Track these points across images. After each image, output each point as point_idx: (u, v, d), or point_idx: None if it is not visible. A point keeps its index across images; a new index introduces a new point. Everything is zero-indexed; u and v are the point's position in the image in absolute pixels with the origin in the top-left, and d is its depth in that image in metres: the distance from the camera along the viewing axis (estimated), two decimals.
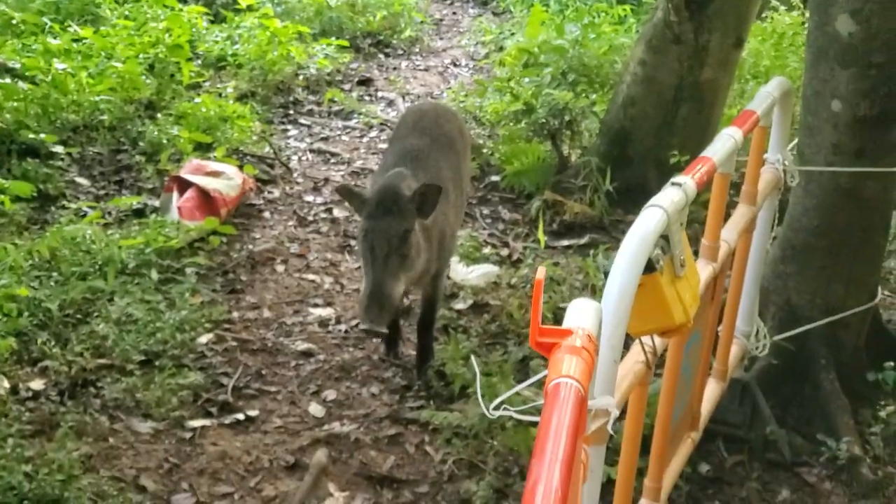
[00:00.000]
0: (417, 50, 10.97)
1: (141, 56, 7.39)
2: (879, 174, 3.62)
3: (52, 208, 5.58)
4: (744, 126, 2.77)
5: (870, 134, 3.57)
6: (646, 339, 2.25)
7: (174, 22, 7.64)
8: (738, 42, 6.20)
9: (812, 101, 3.67)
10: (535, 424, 3.67)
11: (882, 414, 3.84)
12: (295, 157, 7.08)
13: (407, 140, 4.42)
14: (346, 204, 6.09)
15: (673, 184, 2.23)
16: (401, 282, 3.85)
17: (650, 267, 2.04)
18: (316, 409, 4.16)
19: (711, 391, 3.26)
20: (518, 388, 1.99)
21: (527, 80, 7.22)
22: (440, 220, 4.12)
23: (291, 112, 8.19)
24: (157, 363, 4.25)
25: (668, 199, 2.12)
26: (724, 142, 2.62)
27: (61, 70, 6.52)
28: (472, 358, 3.40)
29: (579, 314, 1.66)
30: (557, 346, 1.57)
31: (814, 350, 3.95)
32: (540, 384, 2.08)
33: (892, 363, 3.98)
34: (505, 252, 5.70)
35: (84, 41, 7.34)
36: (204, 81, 8.15)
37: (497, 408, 1.92)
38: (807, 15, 7.25)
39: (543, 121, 6.72)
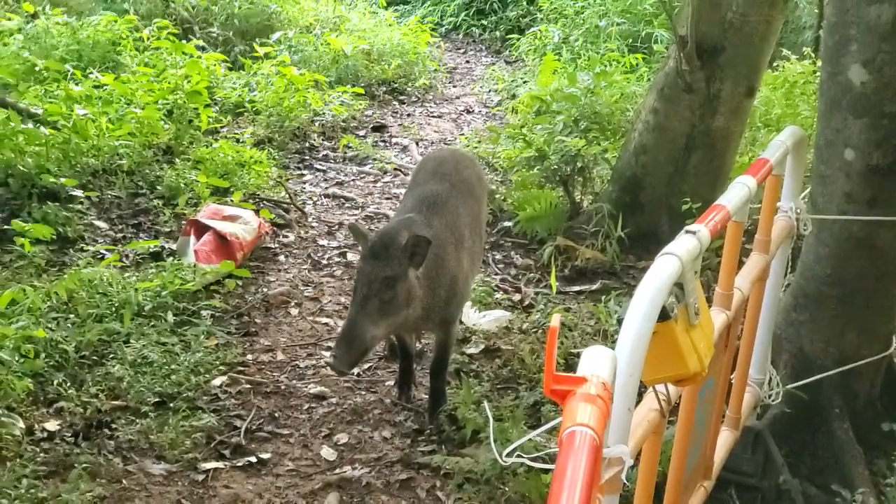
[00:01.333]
0: (431, 97, 11.10)
1: (160, 102, 7.49)
2: (892, 223, 3.64)
3: (71, 251, 5.65)
4: (757, 174, 2.81)
5: (882, 183, 3.59)
6: (660, 388, 2.26)
7: (193, 68, 7.75)
8: (750, 91, 6.25)
9: (825, 150, 3.70)
10: (547, 472, 3.67)
11: None
12: (310, 202, 7.15)
13: (426, 185, 4.46)
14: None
15: (687, 232, 2.26)
16: (378, 326, 3.83)
17: (665, 315, 2.06)
18: (328, 452, 4.17)
19: (724, 439, 3.27)
20: (531, 434, 2.01)
21: (539, 127, 7.28)
22: (452, 267, 4.15)
23: (307, 157, 8.28)
24: (171, 405, 4.28)
25: (683, 247, 2.14)
26: (738, 190, 2.65)
27: (82, 115, 6.60)
28: (485, 403, 3.42)
29: (593, 361, 1.68)
30: (572, 394, 1.59)
31: (827, 399, 3.94)
32: (553, 430, 2.10)
33: None
34: (517, 297, 5.72)
35: (104, 87, 7.44)
36: (221, 127, 8.27)
37: (510, 454, 1.95)
38: (818, 64, 7.33)
39: (555, 167, 6.77)
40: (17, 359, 4.13)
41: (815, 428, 3.94)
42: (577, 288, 5.87)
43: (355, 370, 4.84)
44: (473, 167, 4.94)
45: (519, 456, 1.99)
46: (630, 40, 11.24)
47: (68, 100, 6.89)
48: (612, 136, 7.08)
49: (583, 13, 12.19)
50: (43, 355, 4.36)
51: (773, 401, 3.71)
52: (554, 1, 12.75)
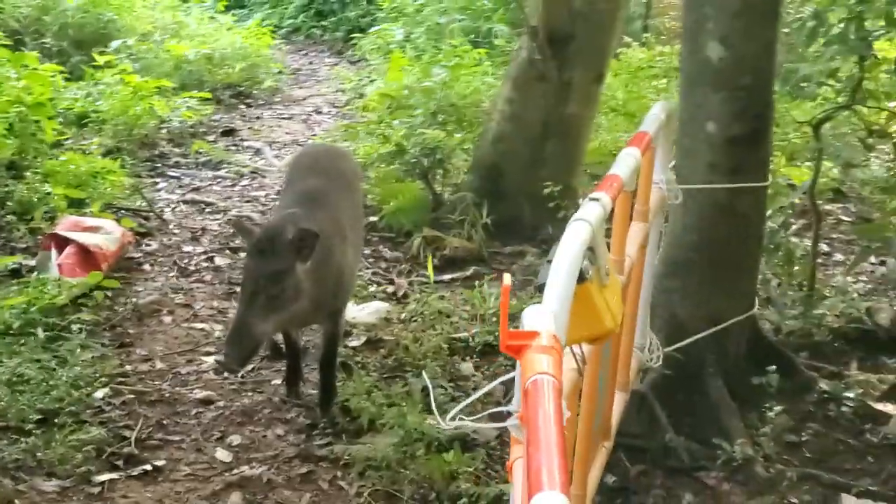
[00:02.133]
0: (279, 99, 11.06)
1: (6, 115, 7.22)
2: (752, 189, 3.87)
3: None
4: (641, 146, 2.95)
5: (742, 152, 3.83)
6: (575, 348, 2.37)
7: (35, 80, 7.49)
8: (599, 77, 6.50)
9: (688, 124, 3.91)
10: (449, 450, 3.71)
11: (770, 415, 4.07)
12: (168, 209, 7.04)
13: (305, 181, 4.47)
14: (229, 250, 6.13)
15: (591, 199, 2.37)
16: (267, 322, 3.81)
17: (581, 277, 2.16)
18: (223, 454, 4.14)
19: (618, 401, 3.42)
20: (474, 396, 2.09)
21: (397, 121, 7.37)
22: (338, 259, 4.18)
23: (159, 165, 8.15)
24: (56, 421, 4.16)
25: (591, 213, 2.26)
26: (627, 161, 2.79)
27: None
28: (423, 373, 3.46)
29: (536, 319, 1.76)
30: (526, 348, 1.67)
31: (701, 359, 4.16)
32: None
33: (773, 367, 4.22)
34: (391, 289, 5.79)
35: None
36: (66, 139, 8.02)
37: (453, 419, 2.01)
38: (657, 49, 7.67)
39: (415, 160, 6.86)
40: None
41: (692, 387, 4.16)
42: (448, 276, 5.98)
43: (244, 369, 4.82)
44: (349, 161, 4.98)
45: (461, 420, 2.07)
46: (471, 36, 11.42)
47: None
48: (469, 128, 7.22)
49: (423, 11, 12.33)
50: None
51: (654, 364, 3.89)
52: (394, 0, 12.85)
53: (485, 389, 2.13)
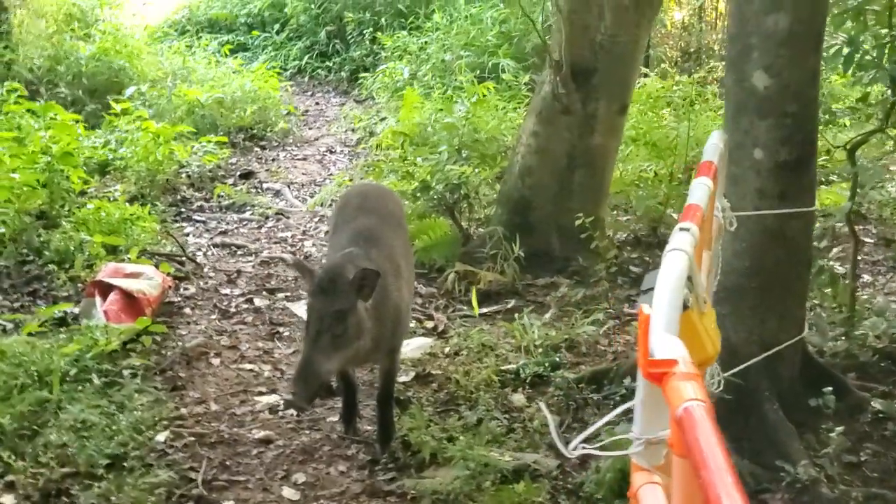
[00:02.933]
0: (291, 141, 11.16)
1: (31, 167, 7.30)
2: (799, 214, 3.97)
3: None
4: (710, 175, 3.05)
5: (790, 177, 3.93)
6: None
7: (61, 130, 7.58)
8: (623, 108, 6.63)
9: (735, 151, 4.01)
10: (518, 481, 3.74)
11: (832, 435, 4.14)
12: (200, 253, 7.12)
13: (357, 220, 4.57)
14: (266, 292, 6.20)
15: (682, 229, 2.46)
16: (332, 360, 3.91)
17: (683, 306, 2.24)
18: (290, 492, 4.20)
19: None
20: (599, 423, 2.17)
21: (420, 158, 7.49)
22: (395, 297, 4.26)
23: (183, 210, 8.23)
24: (125, 465, 4.22)
25: (684, 242, 2.34)
26: (702, 190, 2.88)
27: None
28: (541, 403, 3.53)
29: (667, 347, 1.83)
30: (669, 375, 1.74)
31: (755, 384, 4.24)
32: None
33: (829, 388, 4.30)
34: (430, 324, 5.87)
35: None
36: (90, 188, 8.10)
37: (576, 449, 2.10)
38: (676, 79, 7.80)
39: (439, 196, 6.97)
40: None
41: (749, 412, 4.23)
42: (485, 309, 6.05)
43: (294, 410, 4.89)
44: (395, 199, 5.08)
45: (584, 448, 2.15)
46: (477, 71, 11.56)
47: None
48: (493, 162, 7.33)
49: (427, 49, 12.49)
50: None
51: (716, 389, 3.96)
52: (397, 39, 13.00)
53: (608, 418, 2.20)
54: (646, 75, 8.43)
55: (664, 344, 1.89)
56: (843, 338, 4.97)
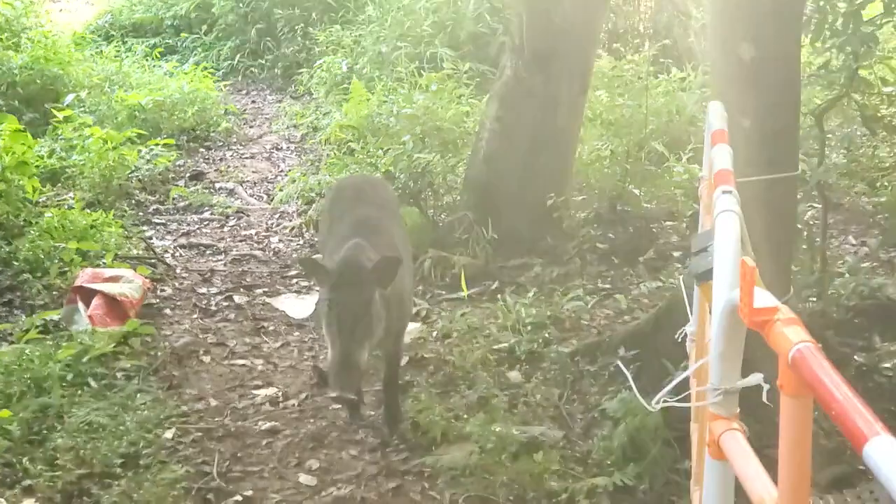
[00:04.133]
0: (235, 140, 11.15)
1: None
2: (784, 180, 4.16)
3: None
4: (725, 141, 3.21)
5: (776, 145, 4.11)
6: None
7: (15, 139, 7.49)
8: (583, 89, 6.80)
9: None
10: (536, 452, 3.82)
11: None
12: (167, 255, 7.10)
13: (355, 211, 4.65)
14: (243, 289, 6.23)
15: (724, 192, 2.60)
16: (363, 349, 4.05)
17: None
18: (306, 479, 4.28)
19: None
20: (677, 379, 2.30)
21: (381, 150, 7.57)
22: (398, 284, 4.35)
23: (141, 213, 8.18)
24: (140, 462, 4.26)
25: (732, 203, 2.48)
26: (726, 156, 3.03)
27: None
28: (619, 362, 3.64)
29: (764, 297, 1.96)
30: (772, 322, 1.87)
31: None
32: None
33: None
34: (413, 310, 5.96)
35: None
36: (40, 197, 8.01)
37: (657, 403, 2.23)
38: (627, 58, 8.00)
39: (403, 185, 7.06)
40: None
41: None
42: (462, 294, 6.15)
43: (294, 401, 4.96)
44: (388, 189, 5.17)
45: (667, 400, 2.29)
46: (416, 62, 11.64)
47: None
48: (454, 149, 7.44)
49: (362, 42, 12.52)
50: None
51: None
52: (331, 34, 13.02)
53: (688, 372, 2.34)
54: (598, 56, 8.60)
55: (761, 295, 2.02)
56: (817, 298, 5.18)
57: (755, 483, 1.97)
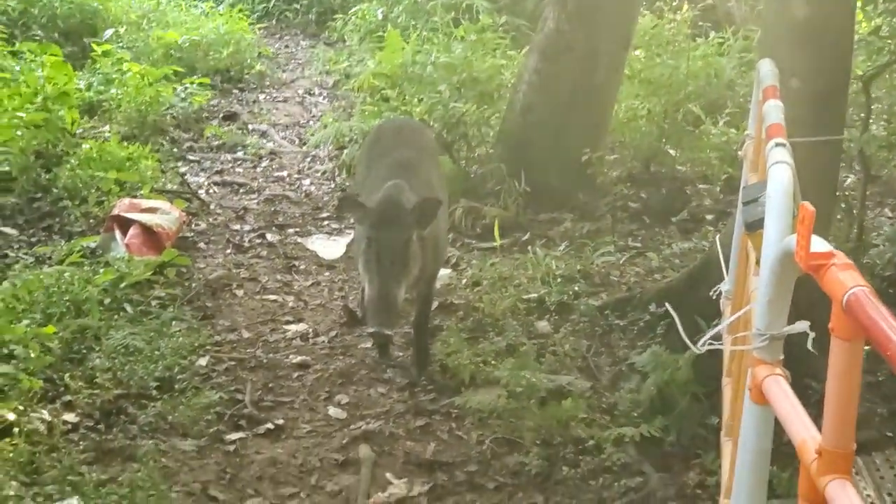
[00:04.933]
0: (268, 83, 11.14)
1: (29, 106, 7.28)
2: (830, 143, 4.17)
3: None
4: (776, 97, 3.24)
5: (824, 106, 4.12)
6: None
7: (58, 70, 7.55)
8: (626, 45, 6.80)
9: None
10: (564, 398, 3.88)
11: None
12: (202, 191, 7.16)
13: (395, 153, 4.69)
14: (276, 227, 6.30)
15: (777, 144, 2.64)
16: (401, 288, 4.14)
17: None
18: (336, 412, 4.37)
19: None
20: (721, 326, 2.35)
21: (416, 98, 7.59)
22: (434, 227, 4.40)
23: (175, 150, 8.23)
24: (175, 387, 4.35)
25: (785, 155, 2.52)
26: (778, 111, 3.06)
27: None
28: (653, 305, 3.70)
29: (819, 244, 2.00)
30: (827, 267, 1.91)
31: None
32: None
33: None
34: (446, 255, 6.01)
35: None
36: (78, 128, 8.08)
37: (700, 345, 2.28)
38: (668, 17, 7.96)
39: (437, 135, 7.08)
40: (31, 355, 4.11)
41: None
42: (494, 244, 6.18)
43: (324, 338, 5.04)
44: (428, 132, 5.21)
45: (712, 343, 2.34)
46: (453, 13, 11.59)
47: None
48: (490, 101, 7.45)
49: None
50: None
51: None
52: None
53: (731, 319, 2.39)
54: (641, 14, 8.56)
55: (816, 240, 2.06)
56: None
57: (798, 426, 2.02)
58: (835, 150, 4.29)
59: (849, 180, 6.41)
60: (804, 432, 1.98)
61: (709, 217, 6.39)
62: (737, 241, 3.78)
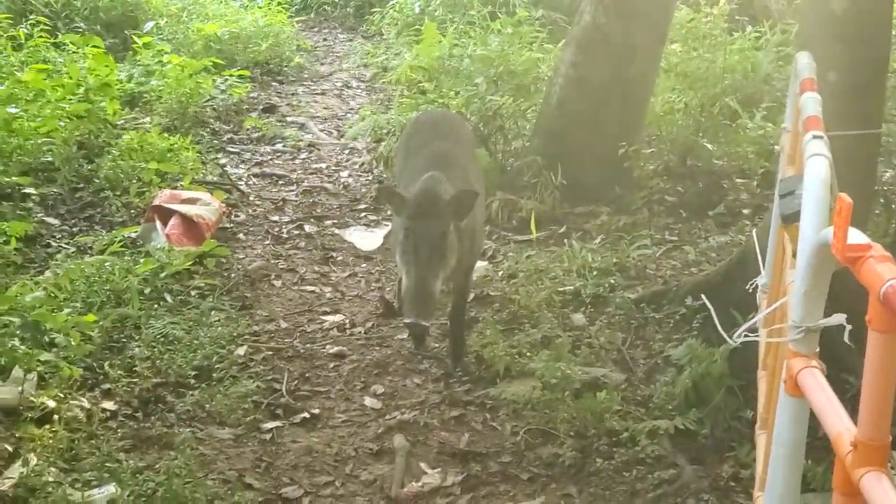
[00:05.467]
0: (306, 76, 11.21)
1: (71, 97, 7.38)
2: (866, 136, 4.14)
3: (37, 247, 5.60)
4: (814, 90, 3.23)
5: (861, 100, 4.10)
6: None
7: (100, 61, 7.66)
8: (662, 38, 6.77)
9: None
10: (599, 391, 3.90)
11: None
12: (241, 183, 7.23)
13: (432, 145, 4.73)
14: (314, 219, 6.35)
15: (815, 136, 2.63)
16: (438, 279, 4.17)
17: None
18: (371, 402, 4.41)
19: None
20: (757, 317, 2.35)
21: (453, 91, 7.61)
22: (471, 219, 4.43)
23: (216, 142, 8.30)
24: (213, 376, 4.41)
25: (822, 147, 2.51)
26: (815, 103, 3.05)
27: (13, 113, 6.47)
28: (689, 298, 3.71)
29: (857, 234, 2.00)
30: (864, 259, 1.91)
31: None
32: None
33: None
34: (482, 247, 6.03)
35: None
36: (118, 119, 8.17)
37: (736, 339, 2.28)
38: (705, 10, 7.93)
39: (473, 128, 7.10)
40: (71, 344, 4.18)
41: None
42: (530, 237, 6.19)
43: (360, 328, 5.08)
44: (465, 125, 5.24)
45: (747, 336, 2.34)
46: (489, 6, 11.60)
47: None
48: (526, 94, 7.45)
49: None
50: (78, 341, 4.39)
51: None
52: None
53: (767, 311, 2.39)
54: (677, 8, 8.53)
55: (853, 232, 2.06)
56: None
57: (833, 419, 2.02)
58: (873, 144, 4.26)
59: (887, 175, 6.34)
60: (839, 424, 1.97)
61: (745, 211, 6.35)
62: (773, 234, 3.76)
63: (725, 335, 2.34)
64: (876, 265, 1.88)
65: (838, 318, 2.23)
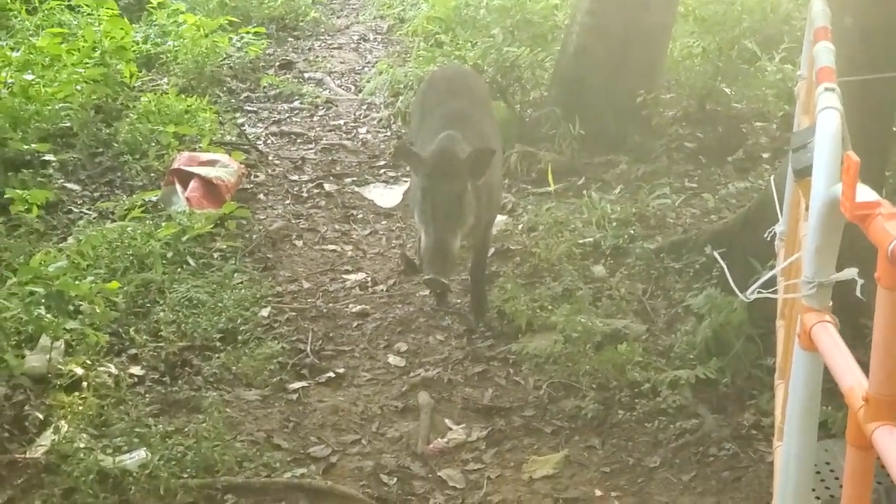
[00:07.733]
0: (323, 30, 11.15)
1: (87, 61, 7.40)
2: (885, 81, 4.10)
3: (59, 214, 5.65)
4: (827, 38, 3.20)
5: (878, 44, 4.05)
6: None
7: (115, 24, 7.66)
8: None
9: None
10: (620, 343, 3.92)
11: None
12: (259, 142, 7.25)
13: (447, 103, 4.73)
14: (333, 177, 6.37)
15: (827, 89, 2.62)
16: (456, 237, 4.20)
17: None
18: (395, 360, 4.46)
19: None
20: (770, 273, 2.36)
21: (470, 43, 7.57)
22: (488, 176, 4.44)
23: (233, 101, 8.31)
24: (238, 338, 4.46)
25: (834, 100, 2.50)
26: (828, 53, 3.03)
27: (29, 80, 6.51)
28: (708, 247, 3.73)
29: (865, 192, 2.00)
30: (873, 216, 1.91)
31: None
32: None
33: None
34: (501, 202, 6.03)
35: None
36: (136, 81, 8.19)
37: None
38: None
39: (491, 79, 7.07)
40: (96, 311, 4.24)
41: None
42: (549, 189, 6.18)
43: (382, 286, 5.12)
44: (480, 80, 5.23)
45: (760, 292, 2.36)
46: None
47: (6, 66, 6.76)
48: (544, 44, 7.40)
49: None
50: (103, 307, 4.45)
51: None
52: None
53: (782, 266, 2.40)
54: None
55: (863, 188, 2.06)
56: None
57: (846, 373, 2.03)
58: (889, 87, 4.21)
59: None
60: (851, 379, 1.99)
61: (765, 155, 6.32)
62: (790, 184, 3.75)
63: (739, 292, 2.35)
64: (884, 223, 1.88)
65: (850, 273, 2.24)
